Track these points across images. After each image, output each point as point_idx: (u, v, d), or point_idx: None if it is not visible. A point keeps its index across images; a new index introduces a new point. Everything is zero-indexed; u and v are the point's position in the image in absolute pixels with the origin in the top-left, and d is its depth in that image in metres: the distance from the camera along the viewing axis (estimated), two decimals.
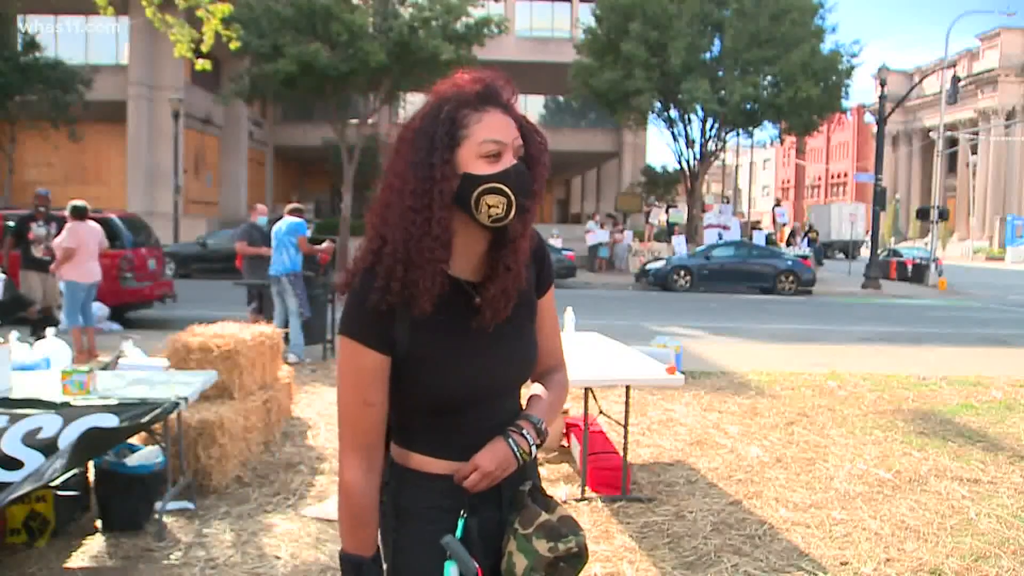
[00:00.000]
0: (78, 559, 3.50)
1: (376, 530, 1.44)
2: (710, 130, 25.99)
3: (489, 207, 1.34)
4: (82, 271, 7.92)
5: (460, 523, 1.42)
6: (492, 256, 1.43)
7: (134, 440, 4.02)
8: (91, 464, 3.96)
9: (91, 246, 8.01)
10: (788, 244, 25.09)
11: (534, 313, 1.53)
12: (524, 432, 1.45)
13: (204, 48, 8.43)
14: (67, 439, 3.26)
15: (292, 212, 8.65)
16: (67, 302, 7.91)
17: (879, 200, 22.70)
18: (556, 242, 23.76)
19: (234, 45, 8.79)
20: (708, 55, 25.11)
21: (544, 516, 1.42)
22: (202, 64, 8.53)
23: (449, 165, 1.33)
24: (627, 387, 4.51)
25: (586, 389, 4.64)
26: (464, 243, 1.39)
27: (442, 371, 1.39)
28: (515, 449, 1.43)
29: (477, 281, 1.43)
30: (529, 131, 1.41)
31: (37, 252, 8.99)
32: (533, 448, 1.46)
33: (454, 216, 1.36)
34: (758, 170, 70.12)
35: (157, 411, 3.51)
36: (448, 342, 1.40)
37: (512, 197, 1.35)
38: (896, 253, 29.09)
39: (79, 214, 8.02)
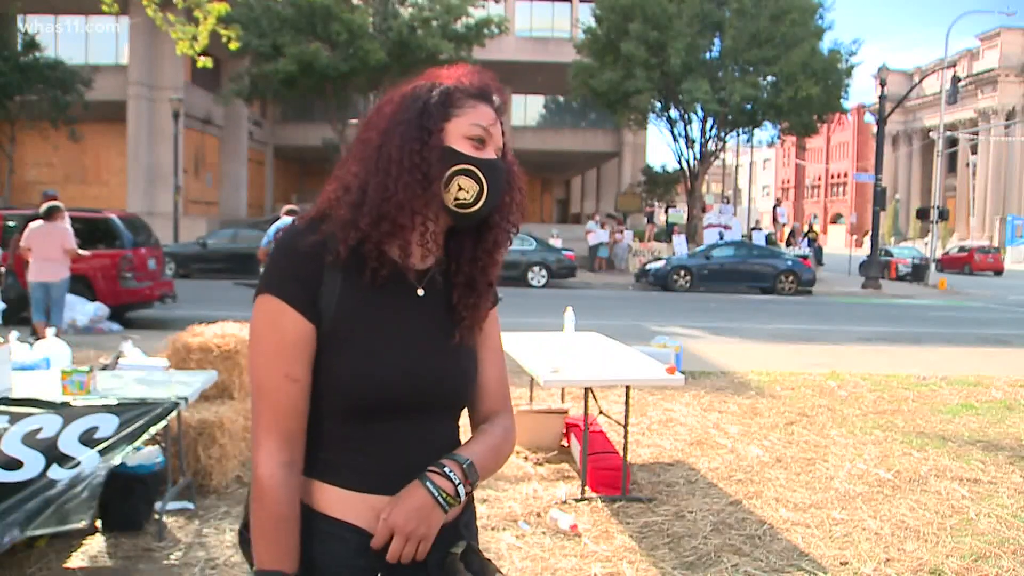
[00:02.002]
0: (78, 559, 3.50)
1: (297, 542, 1.20)
2: (710, 130, 26.01)
3: (459, 189, 1.25)
4: (34, 270, 8.29)
5: None
6: (468, 269, 1.33)
7: None
8: None
9: (46, 247, 8.26)
10: (788, 244, 25.11)
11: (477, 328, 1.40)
12: (447, 470, 1.23)
13: (199, 47, 8.46)
14: (89, 465, 3.28)
15: (288, 213, 8.78)
16: (31, 300, 8.41)
17: (879, 200, 22.71)
18: (556, 242, 23.75)
19: (233, 45, 8.81)
20: (708, 55, 25.13)
21: None
22: (203, 61, 8.56)
23: (440, 133, 1.25)
24: (627, 387, 4.51)
25: (586, 389, 4.64)
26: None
27: (368, 356, 1.22)
28: (435, 494, 1.21)
29: (423, 268, 1.31)
30: (508, 147, 1.35)
31: None
32: (460, 490, 1.24)
33: None
34: (758, 170, 70.11)
35: (158, 411, 3.50)
36: (379, 324, 1.24)
37: (485, 186, 1.26)
38: (887, 253, 29.23)
39: (38, 215, 8.42)
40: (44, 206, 8.45)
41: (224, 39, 8.58)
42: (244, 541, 1.31)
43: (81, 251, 8.69)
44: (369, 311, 1.24)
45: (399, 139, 1.24)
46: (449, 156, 1.25)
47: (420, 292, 1.30)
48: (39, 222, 8.32)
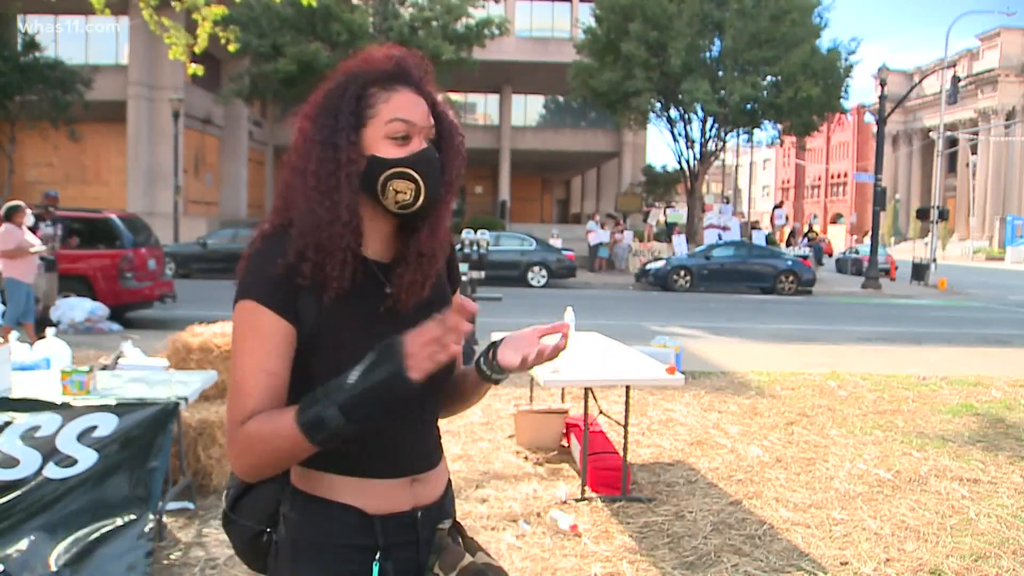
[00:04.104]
0: None
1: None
2: (710, 130, 26.00)
3: (396, 192, 1.25)
4: None
5: (375, 568, 1.26)
6: (404, 241, 1.33)
7: None
8: None
9: None
10: (788, 244, 25.13)
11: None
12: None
13: (198, 50, 8.47)
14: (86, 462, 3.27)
15: None
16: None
17: (879, 200, 22.72)
18: (556, 242, 23.76)
19: (232, 47, 8.81)
20: (708, 55, 25.13)
21: (467, 559, 1.31)
22: (194, 68, 8.59)
23: (355, 147, 1.24)
24: (627, 387, 4.51)
25: (586, 389, 4.64)
26: (371, 225, 1.29)
27: (355, 358, 1.21)
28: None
29: (387, 261, 1.32)
30: (442, 113, 1.32)
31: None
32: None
33: (361, 199, 1.27)
34: (758, 170, 70.10)
35: (158, 410, 3.50)
36: (360, 326, 1.27)
37: (421, 183, 1.25)
38: (856, 251, 31.15)
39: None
40: (4, 206, 8.30)
41: (223, 40, 8.59)
42: (229, 522, 1.35)
43: (37, 247, 8.48)
44: (347, 313, 1.26)
45: (315, 164, 1.24)
46: (375, 165, 1.24)
47: (388, 290, 1.31)
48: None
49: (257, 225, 1.33)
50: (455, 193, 1.34)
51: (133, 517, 3.24)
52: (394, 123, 1.24)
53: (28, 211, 8.52)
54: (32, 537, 3.10)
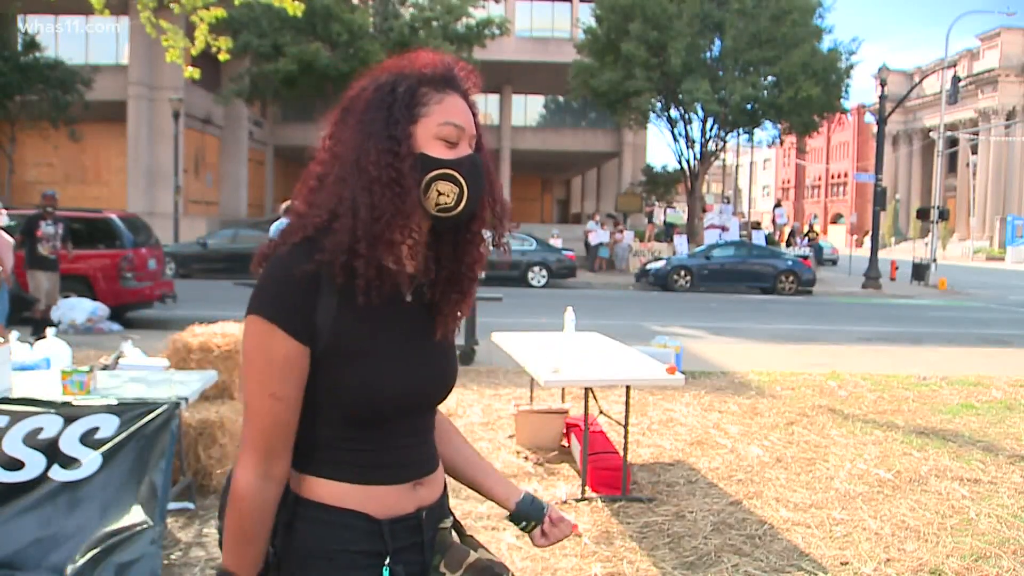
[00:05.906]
0: None
1: (262, 551, 1.24)
2: (710, 130, 26.00)
3: (439, 194, 1.24)
4: None
5: (385, 572, 1.25)
6: (452, 265, 1.33)
7: None
8: None
9: None
10: (788, 244, 25.14)
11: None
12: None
13: (195, 51, 8.49)
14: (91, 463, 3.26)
15: (287, 212, 8.76)
16: None
17: (879, 200, 22.72)
18: (556, 242, 23.77)
19: (223, 57, 8.83)
20: (708, 55, 25.13)
21: (473, 555, 1.32)
22: (191, 72, 8.62)
23: (410, 140, 1.23)
24: (627, 387, 4.51)
25: (586, 389, 4.64)
26: None
27: (375, 371, 1.23)
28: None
29: (410, 273, 1.30)
30: (481, 130, 1.32)
31: (44, 250, 9.20)
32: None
33: None
34: (758, 170, 70.11)
35: (159, 410, 3.50)
36: (380, 337, 1.25)
37: (465, 187, 1.24)
38: (819, 248, 32.29)
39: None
40: None
41: (215, 49, 8.60)
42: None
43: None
44: (366, 326, 1.24)
45: (374, 154, 1.21)
46: (423, 163, 1.23)
47: (408, 298, 1.30)
48: None
49: (282, 230, 1.31)
50: (493, 208, 1.34)
51: (143, 521, 3.22)
52: (446, 126, 1.24)
53: (4, 212, 8.63)
54: (42, 543, 3.09)
